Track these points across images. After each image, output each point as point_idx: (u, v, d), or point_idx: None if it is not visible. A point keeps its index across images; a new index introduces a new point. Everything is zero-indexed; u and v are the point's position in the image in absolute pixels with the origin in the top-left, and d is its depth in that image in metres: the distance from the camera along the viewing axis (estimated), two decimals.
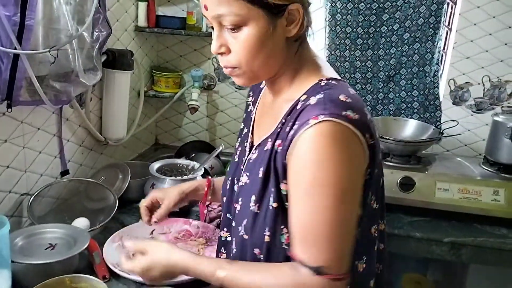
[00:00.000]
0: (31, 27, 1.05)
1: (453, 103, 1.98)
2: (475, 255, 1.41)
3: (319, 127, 0.70)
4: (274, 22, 0.75)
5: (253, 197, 0.81)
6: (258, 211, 0.81)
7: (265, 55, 0.78)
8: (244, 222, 0.84)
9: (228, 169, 1.03)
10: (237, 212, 0.87)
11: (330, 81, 0.80)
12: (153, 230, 1.30)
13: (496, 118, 1.67)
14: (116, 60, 1.54)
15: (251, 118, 0.98)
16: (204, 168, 1.64)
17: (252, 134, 0.94)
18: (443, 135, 1.83)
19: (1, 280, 0.92)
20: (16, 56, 1.05)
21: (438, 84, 1.96)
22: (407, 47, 1.93)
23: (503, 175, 1.62)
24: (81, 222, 1.25)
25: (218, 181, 1.19)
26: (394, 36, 1.92)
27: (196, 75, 2.04)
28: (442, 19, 1.87)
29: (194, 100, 2.01)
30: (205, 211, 1.38)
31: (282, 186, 0.79)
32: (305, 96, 0.78)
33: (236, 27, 0.75)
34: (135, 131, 1.92)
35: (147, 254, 0.87)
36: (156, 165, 1.51)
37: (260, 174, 0.81)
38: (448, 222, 1.51)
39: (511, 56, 1.88)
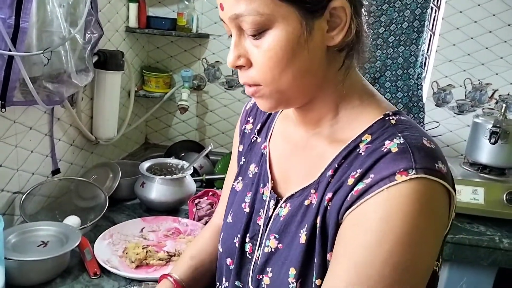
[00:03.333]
0: (26, 30, 1.07)
1: (436, 105, 2.05)
2: (454, 252, 1.46)
3: (409, 187, 0.51)
4: (310, 23, 0.55)
5: (293, 271, 0.61)
6: None
7: (298, 68, 0.57)
8: None
9: (230, 216, 0.77)
10: (264, 286, 0.66)
11: (399, 116, 0.61)
12: (143, 228, 1.33)
13: (476, 120, 1.73)
14: (107, 61, 1.56)
15: (262, 154, 0.75)
16: (194, 167, 1.67)
17: (271, 177, 0.72)
18: None
19: None
20: (11, 58, 1.07)
21: (422, 86, 2.01)
22: (392, 50, 1.98)
23: (482, 174, 1.68)
24: (72, 220, 1.27)
25: (183, 268, 0.85)
26: (380, 39, 1.97)
27: (186, 76, 2.06)
28: (426, 23, 1.92)
29: (184, 100, 2.04)
30: (194, 209, 1.42)
31: (329, 257, 0.59)
32: (369, 137, 0.59)
33: (259, 32, 0.56)
34: (126, 130, 1.94)
35: None
36: (146, 164, 1.53)
37: (302, 239, 0.61)
38: None
39: (492, 59, 1.95)
